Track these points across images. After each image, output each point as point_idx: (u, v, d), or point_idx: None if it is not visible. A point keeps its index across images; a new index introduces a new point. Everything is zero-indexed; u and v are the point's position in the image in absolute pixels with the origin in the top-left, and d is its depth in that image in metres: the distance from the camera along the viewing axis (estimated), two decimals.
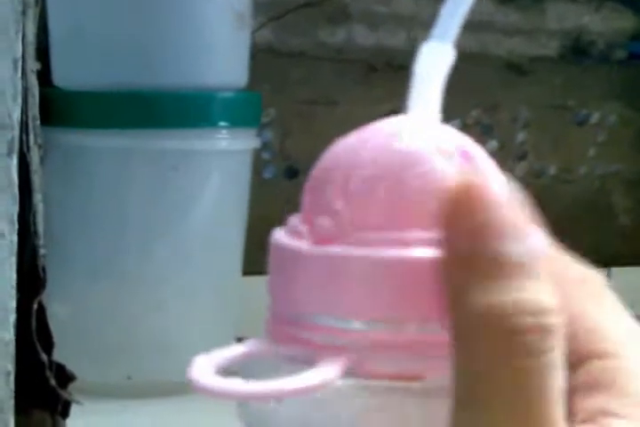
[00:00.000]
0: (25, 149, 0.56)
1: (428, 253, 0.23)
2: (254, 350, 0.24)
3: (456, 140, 0.24)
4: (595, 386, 0.23)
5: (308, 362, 0.23)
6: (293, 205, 0.26)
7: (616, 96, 1.19)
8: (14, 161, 0.53)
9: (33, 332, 0.56)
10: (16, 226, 0.52)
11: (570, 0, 1.17)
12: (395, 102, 1.17)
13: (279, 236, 0.25)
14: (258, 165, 0.97)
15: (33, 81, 0.59)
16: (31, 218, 0.57)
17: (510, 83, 1.15)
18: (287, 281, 0.24)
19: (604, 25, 1.19)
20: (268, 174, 1.06)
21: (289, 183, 1.06)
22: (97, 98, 0.84)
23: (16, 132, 0.53)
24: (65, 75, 0.87)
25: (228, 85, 0.89)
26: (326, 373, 0.22)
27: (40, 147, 0.60)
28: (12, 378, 0.51)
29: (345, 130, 0.26)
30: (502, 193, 0.22)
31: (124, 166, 0.84)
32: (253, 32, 0.93)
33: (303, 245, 0.24)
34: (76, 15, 0.86)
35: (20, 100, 0.53)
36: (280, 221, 0.26)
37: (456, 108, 1.10)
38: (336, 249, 0.23)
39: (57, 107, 0.84)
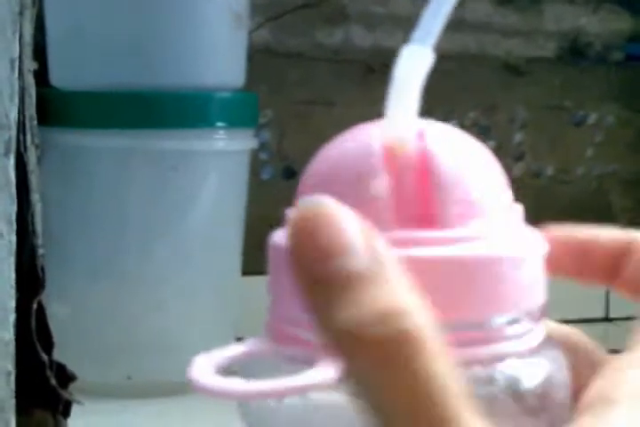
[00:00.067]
0: (22, 149, 0.56)
1: (429, 252, 0.23)
2: (254, 349, 0.24)
3: (419, 131, 0.25)
4: (600, 375, 0.23)
5: (308, 362, 0.23)
6: (291, 206, 0.26)
7: (613, 97, 1.19)
8: (11, 161, 0.53)
9: (33, 332, 0.56)
10: (14, 226, 0.52)
11: (567, 1, 1.17)
12: None
13: (279, 236, 0.25)
14: (255, 165, 0.97)
15: (30, 81, 0.59)
16: (29, 218, 0.57)
17: (508, 84, 1.15)
18: (288, 281, 0.24)
19: (601, 26, 1.19)
20: (265, 175, 1.06)
21: (286, 183, 1.05)
22: (94, 98, 0.84)
23: (13, 132, 0.53)
24: (62, 75, 0.87)
25: (226, 86, 0.89)
26: (326, 372, 0.22)
27: (37, 147, 0.60)
28: (12, 378, 0.51)
29: (342, 130, 0.26)
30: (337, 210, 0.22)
31: (121, 166, 0.84)
32: (251, 32, 0.93)
33: None
34: (74, 15, 0.86)
35: (17, 100, 0.53)
36: (278, 221, 0.26)
37: (454, 108, 1.10)
38: None
39: (54, 107, 0.84)
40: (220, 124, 0.86)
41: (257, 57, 0.99)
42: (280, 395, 0.23)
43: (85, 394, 0.64)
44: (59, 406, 0.58)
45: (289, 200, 0.26)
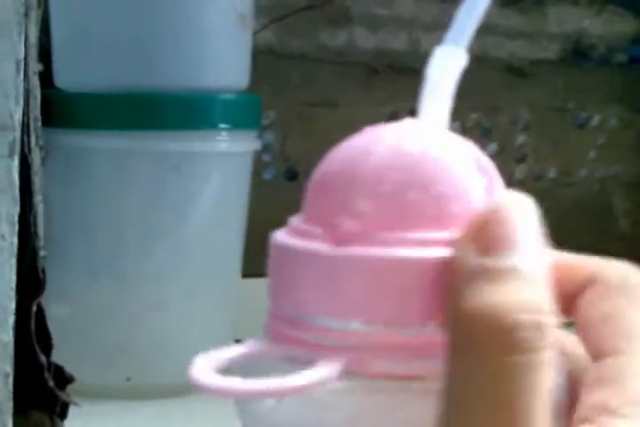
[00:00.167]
0: (26, 150, 0.56)
1: (432, 254, 0.23)
2: (254, 350, 0.25)
3: (470, 147, 0.25)
4: (599, 382, 0.23)
5: (308, 362, 0.23)
6: (293, 207, 0.26)
7: (616, 99, 1.19)
8: (15, 162, 0.53)
9: (32, 333, 0.56)
10: (16, 228, 0.52)
11: (571, 3, 1.17)
12: (396, 104, 1.17)
13: (281, 236, 0.25)
14: (258, 166, 0.97)
15: (35, 82, 0.59)
16: (31, 219, 0.57)
17: (511, 85, 1.15)
18: (288, 282, 0.24)
19: (604, 28, 1.19)
20: (268, 176, 1.07)
21: (289, 185, 1.06)
22: (98, 99, 0.84)
23: (17, 134, 0.53)
24: (67, 76, 0.87)
25: (229, 87, 0.89)
26: (325, 372, 0.22)
27: (41, 148, 0.60)
28: (10, 380, 0.51)
29: (345, 132, 0.26)
30: (526, 213, 0.24)
31: (124, 168, 0.84)
32: (255, 34, 0.93)
33: (320, 246, 0.24)
34: (78, 17, 0.86)
35: (21, 102, 0.53)
36: (280, 222, 0.26)
37: (456, 110, 1.10)
38: (362, 250, 0.23)
39: (58, 108, 0.84)
40: (222, 125, 0.86)
41: (260, 58, 0.99)
42: (279, 394, 0.23)
43: (84, 395, 0.64)
44: (56, 408, 0.58)
45: (291, 202, 0.26)
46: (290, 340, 0.24)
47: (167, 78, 0.85)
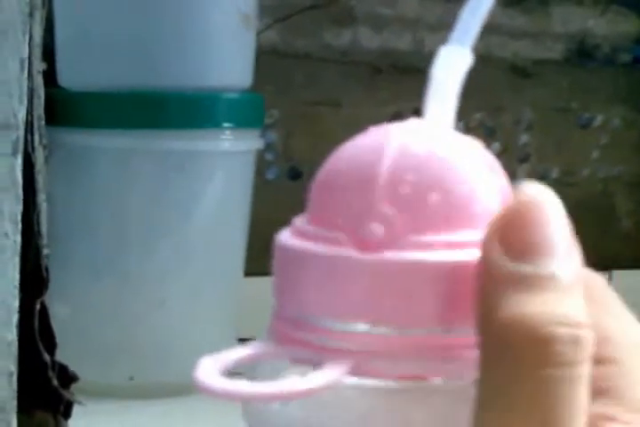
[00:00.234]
0: (30, 149, 0.57)
1: (442, 257, 0.23)
2: (259, 352, 0.24)
3: (480, 147, 0.25)
4: (597, 391, 0.23)
5: (314, 364, 0.23)
6: (297, 207, 0.26)
7: (620, 99, 1.19)
8: (19, 161, 0.53)
9: (36, 332, 0.56)
10: (20, 226, 0.52)
11: (575, 3, 1.17)
12: (399, 104, 1.17)
13: (286, 238, 0.25)
14: (261, 166, 0.97)
15: (39, 81, 0.59)
16: (35, 218, 0.57)
17: (515, 85, 1.15)
18: (294, 283, 0.24)
19: (608, 28, 1.19)
20: (271, 175, 1.06)
21: (292, 184, 1.06)
22: (102, 98, 0.84)
23: (21, 132, 0.53)
24: (70, 75, 0.87)
25: (233, 86, 0.89)
26: (331, 374, 0.22)
27: (45, 147, 0.60)
28: (14, 378, 0.51)
29: (349, 132, 0.26)
30: (558, 211, 0.23)
31: (127, 166, 0.84)
32: (258, 33, 0.93)
33: (344, 251, 0.24)
34: (82, 17, 0.86)
35: (25, 101, 0.53)
36: (283, 222, 0.26)
37: (460, 110, 1.10)
38: (392, 255, 0.23)
39: (62, 107, 0.84)
40: (226, 124, 0.86)
41: (264, 58, 0.99)
42: (286, 397, 0.23)
43: (87, 395, 0.64)
44: (60, 407, 0.58)
45: (294, 201, 0.26)
46: (295, 341, 0.24)
47: (171, 78, 0.85)
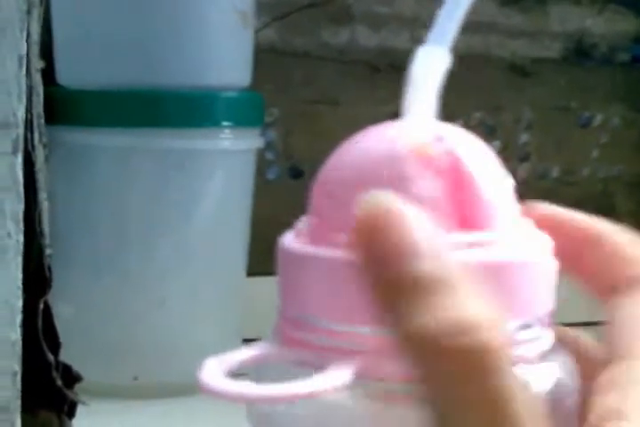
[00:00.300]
0: (30, 147, 0.56)
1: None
2: (263, 353, 0.24)
3: (438, 132, 0.24)
4: (611, 386, 0.22)
5: (318, 366, 0.23)
6: (298, 206, 0.26)
7: (619, 98, 1.19)
8: (19, 159, 0.53)
9: (39, 332, 0.56)
10: (22, 225, 0.52)
11: (573, 2, 1.17)
12: (398, 103, 1.17)
13: (288, 239, 0.25)
14: (261, 165, 0.97)
15: (38, 79, 0.59)
16: (37, 217, 0.57)
17: (513, 84, 1.15)
18: (298, 285, 0.24)
19: (606, 27, 1.19)
20: (271, 175, 1.06)
21: (292, 183, 1.05)
22: (101, 97, 0.84)
23: (21, 131, 0.53)
24: (69, 74, 0.87)
25: (232, 85, 0.89)
26: (336, 376, 0.22)
27: (45, 145, 0.60)
28: (18, 378, 0.51)
29: (348, 130, 0.26)
30: (405, 215, 0.21)
31: (127, 165, 0.84)
32: (257, 32, 0.93)
33: (332, 251, 0.24)
34: (80, 14, 0.86)
35: (24, 99, 0.53)
36: (285, 222, 0.26)
37: (459, 109, 1.10)
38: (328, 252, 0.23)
39: (61, 105, 0.84)
40: (225, 123, 0.86)
41: (263, 56, 0.99)
42: (291, 399, 0.23)
43: (91, 394, 0.64)
44: (64, 407, 0.58)
45: (295, 200, 0.26)
46: (300, 343, 0.24)
47: (169, 76, 0.85)
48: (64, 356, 0.59)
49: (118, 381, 0.84)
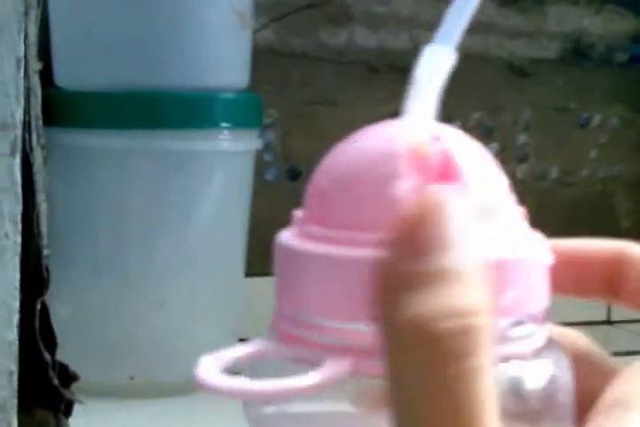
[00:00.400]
0: (28, 149, 0.56)
1: None
2: (259, 350, 0.24)
3: (435, 132, 0.25)
4: (623, 378, 0.23)
5: (314, 363, 0.23)
6: (296, 207, 0.26)
7: (618, 98, 1.19)
8: (17, 161, 0.53)
9: (36, 332, 0.56)
10: (20, 226, 0.52)
11: (570, 3, 1.17)
12: (397, 104, 1.17)
13: (284, 236, 0.25)
14: (260, 166, 0.97)
15: (35, 81, 0.59)
16: (34, 218, 0.57)
17: (512, 85, 1.15)
18: (295, 282, 0.24)
19: (604, 27, 1.19)
20: (269, 176, 1.06)
21: (291, 185, 1.06)
22: (99, 98, 0.84)
23: (19, 132, 0.53)
24: (67, 75, 0.87)
25: (230, 86, 0.89)
26: (332, 373, 0.22)
27: (43, 147, 0.60)
28: (15, 378, 0.51)
29: (346, 131, 0.26)
30: (448, 210, 0.22)
31: (126, 167, 0.84)
32: (255, 33, 0.93)
33: (328, 248, 0.24)
34: (78, 16, 0.86)
35: (22, 100, 0.53)
36: (282, 222, 0.26)
37: (457, 109, 1.10)
38: (368, 251, 0.23)
39: (59, 107, 0.84)
40: (224, 124, 0.86)
41: (261, 57, 0.99)
42: (286, 395, 0.23)
43: (88, 394, 0.64)
44: (60, 406, 0.58)
45: (293, 201, 0.26)
46: (296, 340, 0.24)
47: (168, 77, 0.85)
48: (62, 355, 0.59)
49: (115, 380, 0.84)
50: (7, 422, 0.51)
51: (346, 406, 0.23)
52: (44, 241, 0.58)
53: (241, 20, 0.88)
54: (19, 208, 0.52)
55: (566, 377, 0.24)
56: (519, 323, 0.24)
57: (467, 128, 0.25)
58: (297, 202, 0.26)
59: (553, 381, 0.24)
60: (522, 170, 1.15)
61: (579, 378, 0.24)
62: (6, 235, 0.51)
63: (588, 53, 1.18)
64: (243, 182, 0.90)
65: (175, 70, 0.85)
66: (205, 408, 0.64)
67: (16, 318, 0.52)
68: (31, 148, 0.57)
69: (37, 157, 0.58)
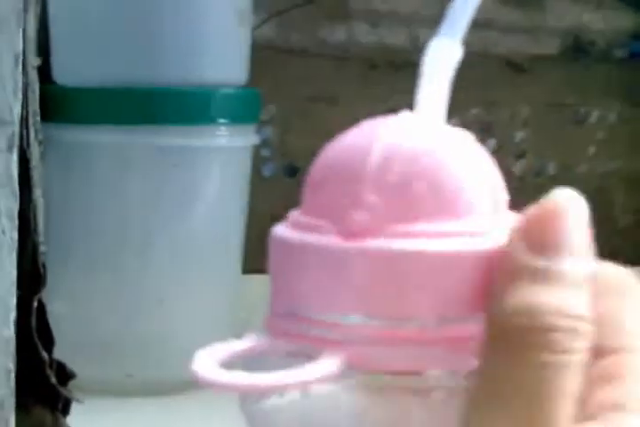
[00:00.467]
0: (25, 144, 0.56)
1: (434, 246, 0.23)
2: (256, 344, 0.24)
3: (471, 140, 0.25)
4: (607, 380, 0.23)
5: (309, 356, 0.23)
6: (294, 203, 0.26)
7: (616, 95, 1.19)
8: (14, 156, 0.53)
9: (33, 329, 0.56)
10: (16, 222, 0.52)
11: None
12: (395, 100, 1.17)
13: (282, 230, 0.25)
14: (257, 162, 0.97)
15: (33, 77, 0.59)
16: (31, 215, 0.57)
17: (510, 81, 1.15)
18: (290, 275, 0.24)
19: (604, 23, 1.19)
20: (267, 172, 1.06)
21: (288, 181, 1.05)
22: (97, 94, 0.84)
23: (16, 128, 0.53)
24: (65, 71, 0.87)
25: (228, 82, 0.89)
26: (327, 367, 0.22)
27: (40, 143, 0.60)
28: (12, 376, 0.51)
29: (345, 127, 0.26)
30: (580, 217, 0.24)
31: (123, 162, 0.84)
32: (254, 29, 0.93)
33: (322, 238, 0.24)
34: (77, 12, 0.86)
35: (20, 96, 0.53)
36: (280, 218, 0.26)
37: (455, 105, 1.10)
38: (364, 243, 0.23)
39: (57, 103, 0.84)
40: (222, 120, 0.86)
41: (260, 53, 0.99)
42: (282, 389, 0.23)
43: (85, 392, 0.64)
44: (58, 404, 0.58)
45: (291, 197, 0.26)
46: (291, 334, 0.24)
47: (166, 73, 0.85)
48: (59, 353, 0.59)
49: (112, 378, 0.84)
50: (5, 421, 0.51)
51: (342, 400, 0.23)
52: (41, 238, 0.58)
53: (240, 16, 0.87)
54: (15, 204, 0.52)
55: None
56: None
57: (464, 124, 0.25)
58: (295, 198, 0.26)
59: None
60: (520, 166, 1.15)
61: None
62: (3, 231, 0.51)
63: (588, 49, 1.18)
64: (240, 178, 0.90)
65: (173, 66, 0.85)
66: (203, 405, 0.64)
67: (13, 315, 0.52)
68: (28, 143, 0.57)
69: (35, 152, 0.58)
